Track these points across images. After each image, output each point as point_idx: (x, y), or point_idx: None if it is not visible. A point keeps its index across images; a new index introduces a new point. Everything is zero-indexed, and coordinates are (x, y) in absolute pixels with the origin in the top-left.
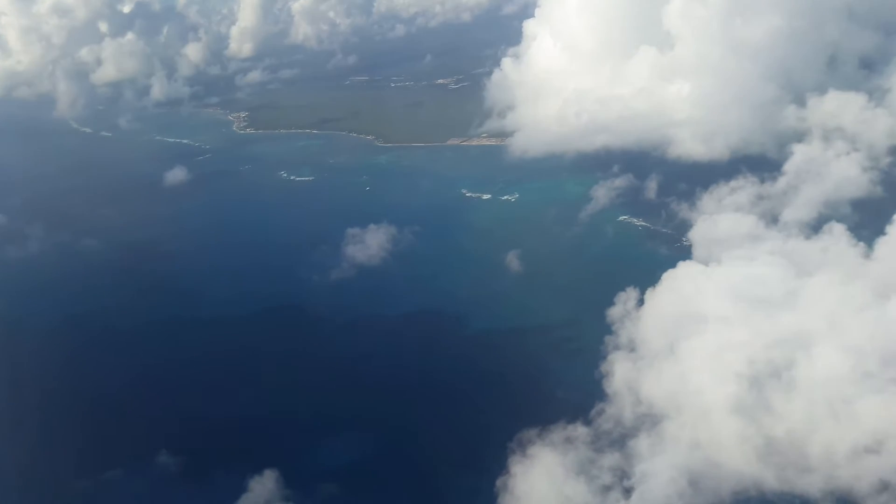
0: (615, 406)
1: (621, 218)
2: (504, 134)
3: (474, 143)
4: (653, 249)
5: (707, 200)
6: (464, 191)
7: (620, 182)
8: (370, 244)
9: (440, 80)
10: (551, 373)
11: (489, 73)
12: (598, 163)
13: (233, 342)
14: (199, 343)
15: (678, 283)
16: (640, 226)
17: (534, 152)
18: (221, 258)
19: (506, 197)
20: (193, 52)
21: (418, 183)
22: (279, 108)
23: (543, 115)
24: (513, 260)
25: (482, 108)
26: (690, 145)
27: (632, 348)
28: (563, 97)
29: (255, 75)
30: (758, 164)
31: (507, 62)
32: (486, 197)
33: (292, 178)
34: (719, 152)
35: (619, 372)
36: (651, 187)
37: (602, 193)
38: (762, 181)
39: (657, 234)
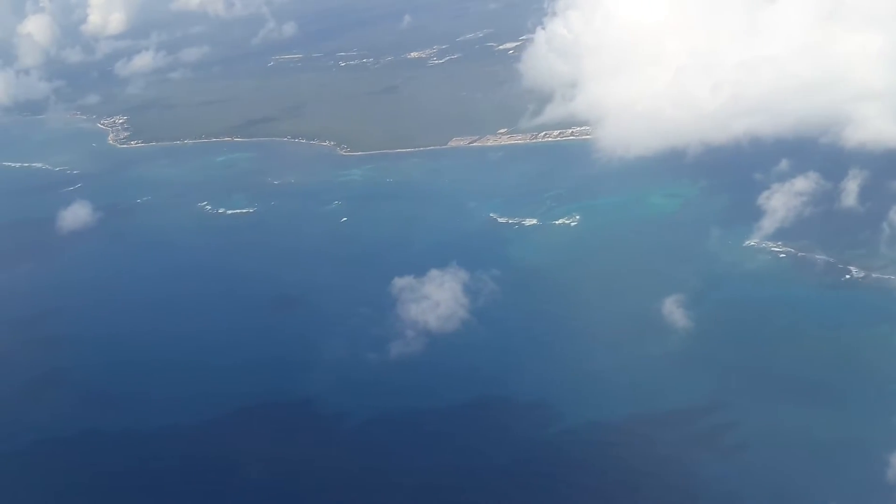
0: None
1: (749, 242)
2: (559, 126)
3: (491, 142)
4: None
5: None
6: (493, 215)
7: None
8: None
9: (414, 54)
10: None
11: (494, 40)
12: (731, 160)
13: (187, 462)
14: (129, 469)
15: None
16: (783, 253)
17: (619, 151)
18: (142, 336)
19: (562, 220)
20: (38, 29)
21: (420, 207)
22: (177, 108)
23: (636, 94)
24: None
25: (509, 89)
26: (883, 126)
27: None
28: (668, 64)
29: (144, 60)
30: None
31: (556, 22)
32: (530, 223)
33: (221, 211)
34: None
35: None
36: (816, 190)
37: (704, 206)
38: None
39: (812, 264)
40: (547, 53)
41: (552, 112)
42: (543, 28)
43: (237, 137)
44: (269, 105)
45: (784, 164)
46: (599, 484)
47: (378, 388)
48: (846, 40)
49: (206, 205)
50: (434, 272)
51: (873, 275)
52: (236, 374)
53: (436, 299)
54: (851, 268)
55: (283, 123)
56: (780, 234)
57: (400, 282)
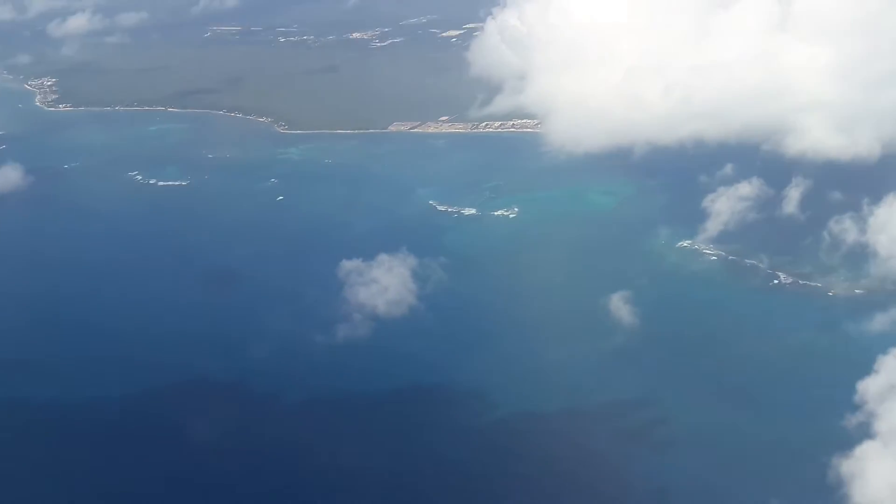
0: None
1: (682, 244)
2: (505, 118)
3: (432, 129)
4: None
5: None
6: (433, 203)
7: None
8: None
9: (356, 34)
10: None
11: (438, 27)
12: (674, 162)
13: (109, 434)
14: (49, 440)
15: None
16: (714, 255)
17: (562, 146)
18: (70, 303)
19: (500, 212)
20: None
21: (358, 190)
22: (109, 73)
23: (585, 90)
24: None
25: (453, 77)
26: (824, 136)
27: None
28: (619, 63)
29: (79, 22)
30: None
31: (507, 13)
32: (469, 212)
33: (153, 182)
34: (866, 147)
35: None
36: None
37: (643, 205)
38: None
39: (742, 268)
40: (495, 44)
41: (498, 103)
42: (494, 18)
43: (171, 108)
44: (205, 76)
45: (725, 169)
46: (531, 473)
47: (319, 370)
48: (795, 51)
49: (138, 175)
50: (380, 256)
51: (800, 281)
52: (168, 347)
53: (383, 284)
54: (780, 273)
55: (219, 96)
56: (713, 238)
57: (346, 264)
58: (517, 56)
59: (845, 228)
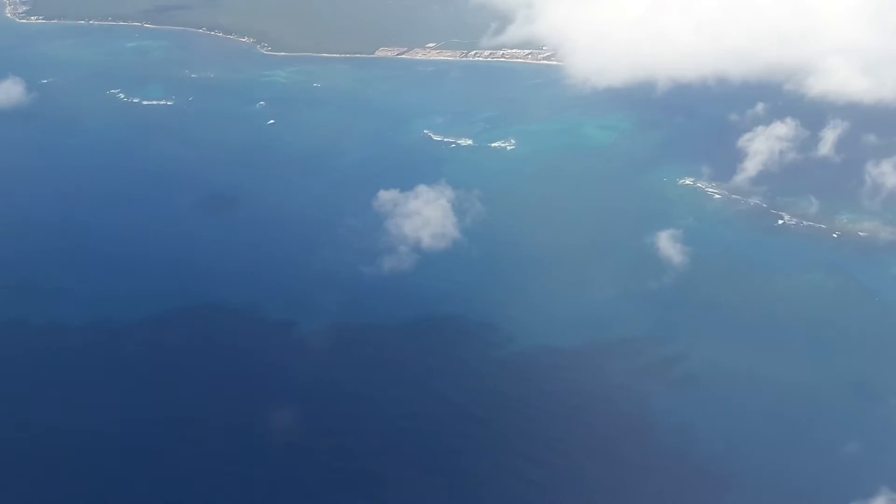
0: None
1: (684, 181)
2: (508, 46)
3: (419, 56)
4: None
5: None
6: (427, 132)
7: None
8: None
9: None
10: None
11: None
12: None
13: (117, 360)
14: (55, 361)
15: None
16: (718, 194)
17: (591, 79)
18: (68, 227)
19: (498, 143)
20: None
21: (348, 116)
22: None
23: (602, 22)
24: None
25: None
26: (847, 78)
27: None
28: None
29: None
30: None
31: None
32: (465, 143)
33: (136, 100)
34: (892, 90)
35: None
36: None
37: (638, 139)
38: None
39: (743, 207)
40: None
41: (497, 32)
42: None
43: (148, 23)
44: None
45: (744, 107)
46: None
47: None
48: None
49: (119, 93)
50: (379, 186)
51: (804, 223)
52: (170, 274)
53: (424, 215)
54: (784, 214)
55: (197, 13)
56: (714, 176)
57: (343, 192)
58: None
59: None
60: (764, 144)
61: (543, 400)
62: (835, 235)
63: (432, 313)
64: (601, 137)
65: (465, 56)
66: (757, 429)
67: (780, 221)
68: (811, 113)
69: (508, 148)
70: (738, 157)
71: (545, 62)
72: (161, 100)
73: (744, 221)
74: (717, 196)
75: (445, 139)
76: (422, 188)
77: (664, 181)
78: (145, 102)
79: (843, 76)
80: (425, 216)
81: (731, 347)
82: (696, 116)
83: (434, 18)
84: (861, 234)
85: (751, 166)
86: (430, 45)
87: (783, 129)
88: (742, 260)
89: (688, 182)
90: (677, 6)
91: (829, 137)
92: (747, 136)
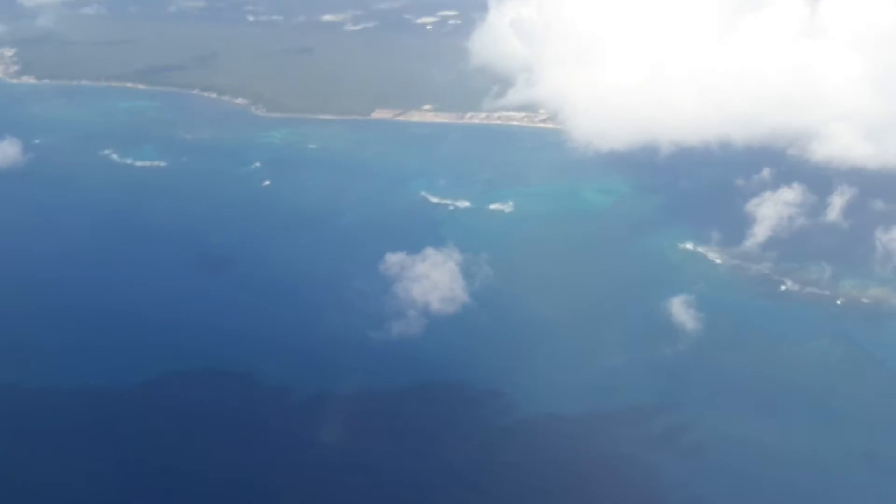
0: None
1: (684, 245)
2: (506, 108)
3: (416, 118)
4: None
5: None
6: (424, 194)
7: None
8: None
9: (328, 17)
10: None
11: (410, 13)
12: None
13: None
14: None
15: None
16: (718, 259)
17: (592, 143)
18: (60, 286)
19: (496, 206)
20: None
21: (345, 178)
22: (73, 45)
23: (602, 86)
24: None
25: (433, 65)
26: (851, 144)
27: None
28: (639, 61)
29: None
30: None
31: (509, 4)
32: (463, 205)
33: (129, 161)
34: (894, 156)
35: None
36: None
37: (638, 203)
38: None
39: (745, 272)
40: (499, 33)
41: (506, 95)
42: (497, 9)
43: (141, 84)
44: (174, 53)
45: (749, 172)
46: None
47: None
48: (827, 59)
49: (112, 153)
50: (375, 248)
51: (807, 289)
52: (161, 336)
53: (433, 278)
54: (787, 280)
55: (191, 74)
56: (716, 241)
57: (341, 253)
58: (527, 48)
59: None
60: (772, 209)
61: (548, 469)
62: (838, 302)
63: (440, 379)
64: (600, 201)
65: (462, 118)
66: (767, 500)
67: (783, 287)
68: (817, 178)
69: (507, 210)
70: (743, 221)
71: (541, 125)
72: (155, 161)
73: (746, 287)
74: (719, 261)
75: (443, 201)
76: (429, 251)
77: (664, 245)
78: (139, 163)
79: (846, 142)
80: (434, 279)
81: (740, 416)
82: (698, 180)
83: (433, 81)
84: (865, 300)
85: (759, 231)
86: (427, 106)
87: (791, 195)
88: (747, 326)
89: (688, 247)
90: (680, 71)
91: (837, 203)
92: (755, 200)
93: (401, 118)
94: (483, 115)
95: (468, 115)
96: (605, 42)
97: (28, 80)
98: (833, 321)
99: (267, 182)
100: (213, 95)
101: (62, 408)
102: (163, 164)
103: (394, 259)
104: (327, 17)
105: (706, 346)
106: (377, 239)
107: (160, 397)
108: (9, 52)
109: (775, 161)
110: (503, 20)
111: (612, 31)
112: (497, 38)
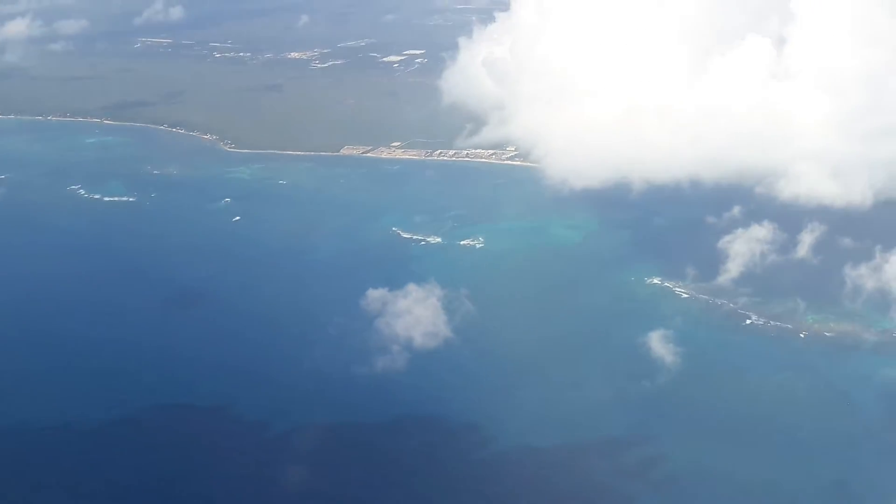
0: None
1: (652, 280)
2: (479, 147)
3: (385, 154)
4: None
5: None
6: (396, 229)
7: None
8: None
9: (295, 54)
10: None
11: (377, 51)
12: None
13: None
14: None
15: None
16: (685, 293)
17: (566, 180)
18: (19, 333)
19: (466, 241)
20: None
21: (316, 214)
22: (39, 80)
23: (572, 124)
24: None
25: (401, 103)
26: (817, 183)
27: None
28: (611, 100)
29: (18, 27)
30: None
31: (479, 43)
32: (434, 240)
33: (96, 197)
34: (860, 196)
35: None
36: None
37: (606, 239)
38: None
39: (710, 307)
40: (470, 72)
41: (472, 134)
42: (468, 48)
43: (108, 119)
44: (141, 89)
45: (719, 210)
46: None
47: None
48: (794, 100)
49: (80, 189)
50: (351, 282)
51: (771, 322)
52: (136, 372)
53: (415, 314)
54: (752, 314)
55: (158, 110)
56: (685, 276)
57: (318, 289)
58: (499, 86)
59: (862, 275)
60: (745, 246)
61: (526, 500)
62: (801, 335)
63: (421, 413)
64: (568, 237)
65: (430, 155)
66: None
67: (748, 321)
68: (785, 216)
69: (478, 246)
70: (712, 257)
71: (509, 162)
72: (123, 196)
73: (712, 321)
74: (685, 295)
75: (415, 236)
76: (411, 286)
77: (632, 281)
78: (106, 199)
79: (813, 181)
80: (416, 315)
81: (712, 448)
82: (668, 217)
83: (404, 119)
84: (827, 333)
85: (731, 267)
86: (395, 143)
87: (761, 232)
88: (714, 360)
89: (655, 281)
90: (651, 110)
91: (806, 240)
92: (726, 237)
93: (370, 154)
94: (452, 152)
95: (437, 152)
96: (578, 81)
97: None
98: (796, 354)
99: (237, 218)
100: (182, 131)
101: (36, 445)
102: (131, 199)
103: (375, 294)
104: (294, 55)
105: (677, 379)
106: (351, 274)
107: (135, 434)
108: None
109: (744, 199)
110: (475, 59)
111: (584, 69)
112: (469, 77)
